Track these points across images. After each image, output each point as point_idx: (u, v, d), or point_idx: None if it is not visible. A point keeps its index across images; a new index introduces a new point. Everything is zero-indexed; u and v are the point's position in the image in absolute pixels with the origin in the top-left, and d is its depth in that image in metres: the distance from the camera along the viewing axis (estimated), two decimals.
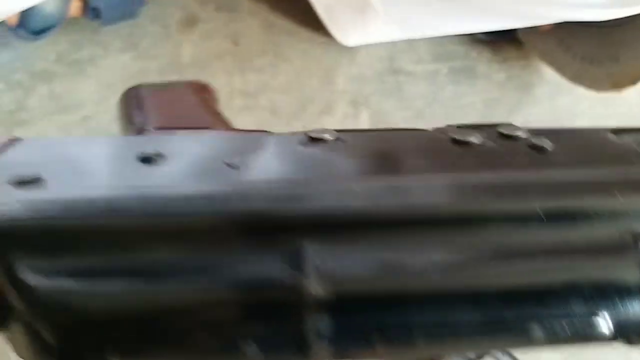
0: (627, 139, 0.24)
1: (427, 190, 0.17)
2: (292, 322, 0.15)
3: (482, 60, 0.65)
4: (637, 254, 0.16)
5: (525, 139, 0.23)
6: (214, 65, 0.64)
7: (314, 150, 0.20)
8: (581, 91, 0.62)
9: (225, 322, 0.16)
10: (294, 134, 0.22)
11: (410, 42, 0.65)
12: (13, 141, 0.21)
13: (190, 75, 0.63)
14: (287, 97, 0.62)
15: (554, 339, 0.16)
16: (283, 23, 0.66)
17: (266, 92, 0.63)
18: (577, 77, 0.60)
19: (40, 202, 0.15)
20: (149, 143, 0.21)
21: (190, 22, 0.66)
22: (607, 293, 0.16)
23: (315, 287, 0.15)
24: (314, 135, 0.21)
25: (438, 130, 0.23)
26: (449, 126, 0.23)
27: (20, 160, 0.19)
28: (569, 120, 0.63)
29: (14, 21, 0.53)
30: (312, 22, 0.64)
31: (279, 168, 0.19)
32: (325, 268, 0.15)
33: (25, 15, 0.53)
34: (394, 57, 0.65)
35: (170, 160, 0.19)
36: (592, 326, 0.16)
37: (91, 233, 0.15)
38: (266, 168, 0.19)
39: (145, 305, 0.15)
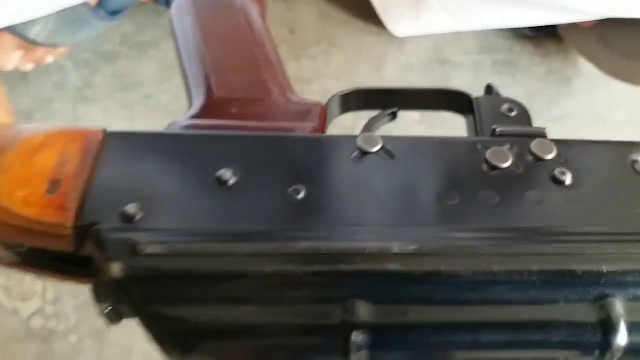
0: None
1: (444, 252, 0.21)
2: (340, 340, 0.20)
3: (525, 54, 0.69)
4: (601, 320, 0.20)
5: (551, 161, 0.24)
6: None
7: (364, 170, 0.24)
8: (618, 85, 0.66)
9: (289, 336, 0.21)
10: (348, 139, 0.25)
11: (457, 35, 0.68)
12: (106, 136, 0.24)
13: None
14: (339, 84, 0.66)
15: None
16: (337, 14, 0.70)
17: (319, 79, 0.67)
18: (615, 72, 0.64)
19: (154, 255, 0.20)
20: (224, 161, 0.24)
21: None
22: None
23: (360, 326, 0.20)
24: (364, 148, 0.24)
25: (479, 142, 0.25)
26: (492, 133, 0.27)
27: (120, 184, 0.23)
28: (605, 113, 0.67)
29: (94, 2, 0.57)
30: (366, 13, 0.68)
31: (333, 200, 0.23)
32: (369, 313, 0.20)
33: None
34: (441, 48, 0.69)
35: (242, 180, 0.23)
36: None
37: (194, 275, 0.21)
38: (323, 199, 0.23)
39: (233, 322, 0.21)
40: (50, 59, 0.64)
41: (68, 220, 0.21)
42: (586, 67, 0.68)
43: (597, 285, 0.21)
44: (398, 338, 0.21)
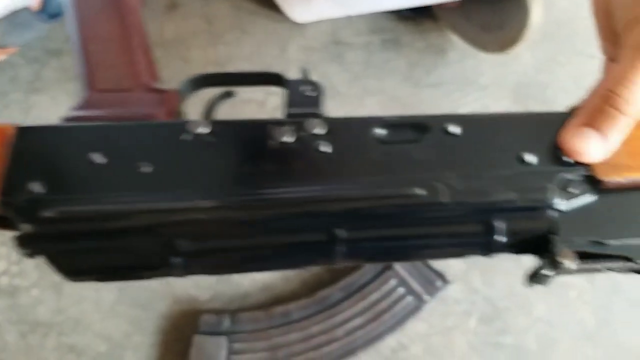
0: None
1: (230, 206, 0.30)
2: (165, 256, 0.31)
3: (406, 32, 0.81)
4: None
5: (320, 136, 0.32)
6: (191, 41, 0.79)
7: (192, 148, 0.31)
8: (484, 55, 0.78)
9: (128, 254, 0.31)
10: (180, 123, 0.32)
11: (349, 19, 0.80)
12: (17, 130, 0.31)
13: (172, 50, 0.79)
14: (250, 65, 0.78)
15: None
16: (247, 5, 0.81)
17: (233, 61, 0.78)
18: (474, 42, 0.76)
19: (48, 219, 0.29)
20: (96, 146, 0.31)
21: (172, 6, 0.82)
22: None
23: (178, 250, 0.31)
24: (192, 131, 0.31)
25: (273, 122, 0.32)
26: (287, 114, 0.34)
27: (28, 167, 0.30)
28: (473, 78, 0.79)
29: (36, 6, 0.69)
30: (271, 4, 0.79)
31: (170, 172, 0.31)
32: (185, 244, 0.31)
33: (45, 2, 0.69)
34: (336, 31, 0.81)
35: (108, 160, 0.31)
36: None
37: (71, 232, 0.30)
38: (163, 171, 0.30)
39: (92, 258, 0.31)
40: (1, 57, 0.75)
41: None
42: (458, 41, 0.80)
43: (325, 218, 0.31)
44: (205, 254, 0.31)
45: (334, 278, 0.75)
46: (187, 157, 0.32)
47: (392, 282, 0.70)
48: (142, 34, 0.40)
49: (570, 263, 0.31)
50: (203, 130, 0.32)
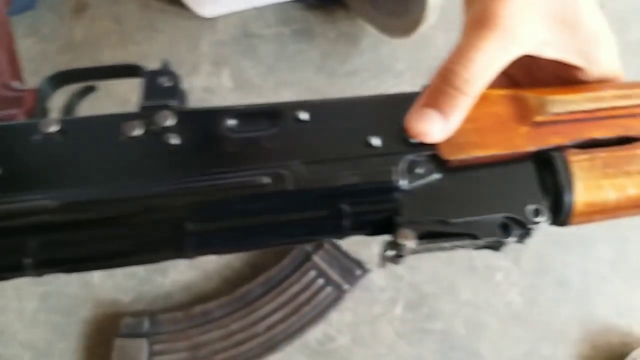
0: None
1: (77, 202, 0.30)
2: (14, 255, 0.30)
3: (318, 22, 0.80)
4: None
5: (170, 127, 0.32)
6: (101, 42, 0.78)
7: (44, 147, 0.30)
8: (399, 41, 0.77)
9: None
10: (33, 124, 0.31)
11: (260, 11, 0.80)
12: None
13: (83, 53, 0.78)
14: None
15: None
16: (157, 4, 0.80)
17: (144, 60, 0.77)
18: (383, 28, 0.76)
19: None
20: None
21: (80, 8, 0.80)
22: None
23: (28, 253, 0.30)
24: (43, 129, 0.31)
25: (124, 116, 0.32)
26: (144, 109, 0.33)
27: None
28: (389, 65, 0.79)
29: None
30: (180, 2, 0.79)
31: (21, 173, 0.30)
32: (37, 245, 0.30)
33: None
34: (246, 24, 0.80)
35: None
36: None
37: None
38: (13, 173, 0.30)
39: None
40: None
41: None
42: (371, 28, 0.80)
43: (171, 212, 0.30)
44: (54, 253, 0.30)
45: (255, 273, 0.75)
46: (36, 157, 0.31)
47: (312, 273, 0.70)
48: (5, 32, 0.40)
49: (410, 243, 0.31)
50: (52, 129, 0.31)
